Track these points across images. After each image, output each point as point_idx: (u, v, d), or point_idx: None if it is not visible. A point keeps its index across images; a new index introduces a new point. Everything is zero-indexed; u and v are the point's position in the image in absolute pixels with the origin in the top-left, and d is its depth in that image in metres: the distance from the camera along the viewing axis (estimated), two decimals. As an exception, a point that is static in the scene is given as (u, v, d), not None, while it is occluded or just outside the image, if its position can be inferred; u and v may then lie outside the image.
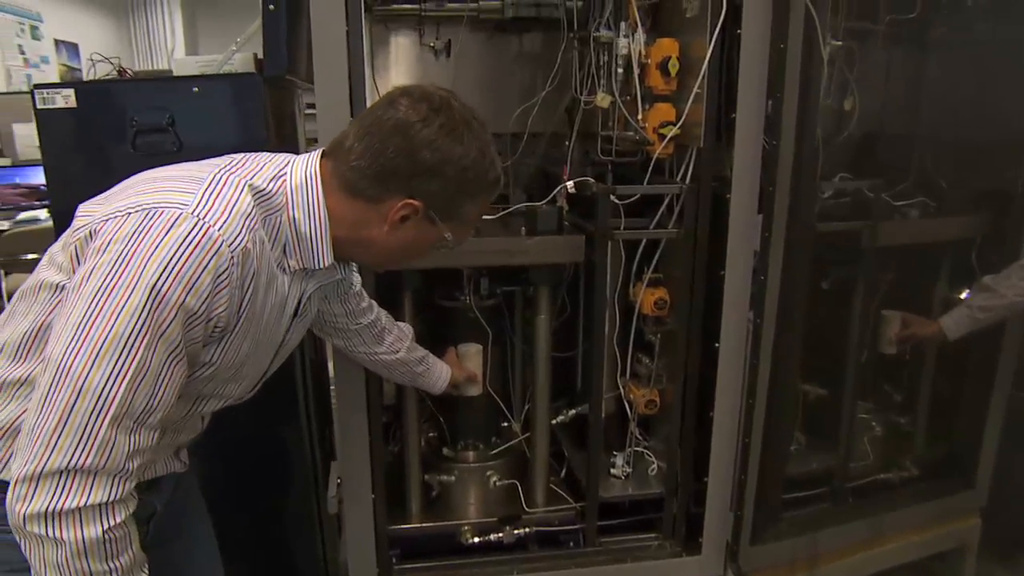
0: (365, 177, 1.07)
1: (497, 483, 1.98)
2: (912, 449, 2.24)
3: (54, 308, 1.02)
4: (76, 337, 0.89)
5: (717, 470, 1.88)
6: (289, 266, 1.10)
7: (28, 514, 0.88)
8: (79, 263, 0.98)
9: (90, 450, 0.89)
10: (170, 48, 8.27)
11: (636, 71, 1.73)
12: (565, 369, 2.10)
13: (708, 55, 1.62)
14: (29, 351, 1.04)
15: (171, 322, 0.92)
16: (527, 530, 1.91)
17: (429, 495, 1.96)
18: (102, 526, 0.91)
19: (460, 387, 1.84)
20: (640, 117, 1.74)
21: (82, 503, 0.89)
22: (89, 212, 1.02)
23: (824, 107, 1.83)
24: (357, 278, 1.43)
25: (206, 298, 0.95)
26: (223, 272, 0.95)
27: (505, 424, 2.08)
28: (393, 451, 2.08)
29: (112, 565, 0.93)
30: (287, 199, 1.07)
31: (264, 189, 1.04)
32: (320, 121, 1.52)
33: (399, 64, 2.10)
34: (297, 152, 1.35)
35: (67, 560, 0.90)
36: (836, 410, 2.11)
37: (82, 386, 0.88)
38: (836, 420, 2.11)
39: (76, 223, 1.02)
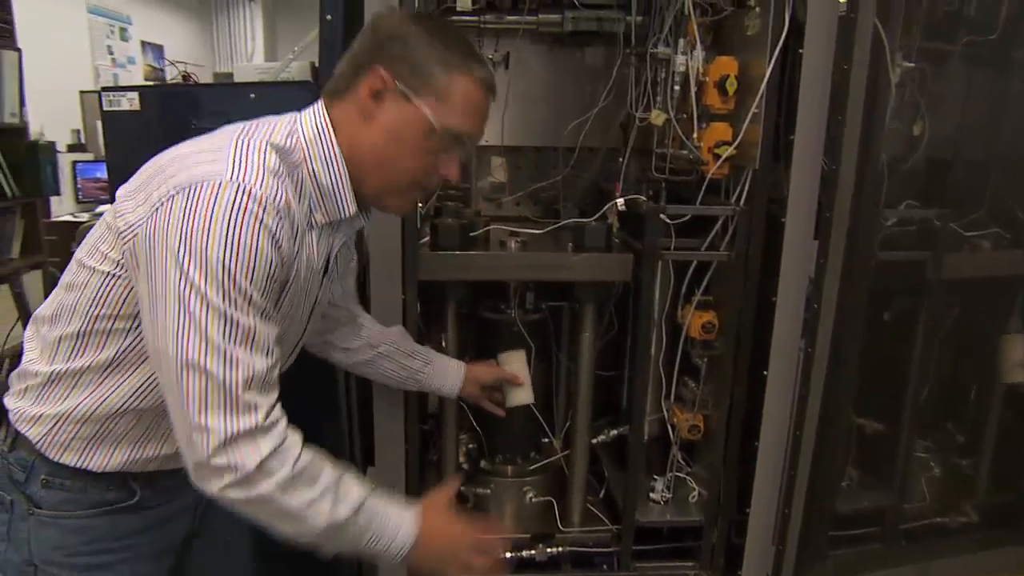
0: (341, 76, 1.11)
1: (533, 499, 1.96)
2: (973, 493, 2.12)
3: (106, 301, 1.06)
4: (180, 333, 0.94)
5: (760, 501, 1.81)
6: (316, 221, 1.12)
7: (223, 494, 0.97)
8: (137, 261, 1.01)
9: (239, 417, 0.96)
10: (250, 51, 8.55)
11: (693, 89, 1.70)
12: (609, 388, 2.07)
13: (767, 74, 1.57)
14: (86, 346, 1.08)
15: (251, 288, 0.97)
16: (561, 549, 1.89)
17: (464, 507, 1.96)
18: (287, 466, 0.99)
19: (507, 395, 1.79)
20: (695, 136, 1.70)
21: (258, 461, 0.96)
22: (126, 201, 1.05)
23: (891, 130, 1.76)
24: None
25: (270, 256, 0.98)
26: (276, 227, 0.99)
27: (545, 440, 2.06)
28: (433, 459, 2.08)
29: (322, 485, 1.03)
30: (304, 153, 1.09)
31: (283, 146, 1.06)
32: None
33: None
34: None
35: (281, 509, 1.00)
36: (892, 447, 2.02)
37: (207, 370, 0.94)
38: (892, 457, 2.01)
39: (119, 213, 1.04)
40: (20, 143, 3.46)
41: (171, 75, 6.88)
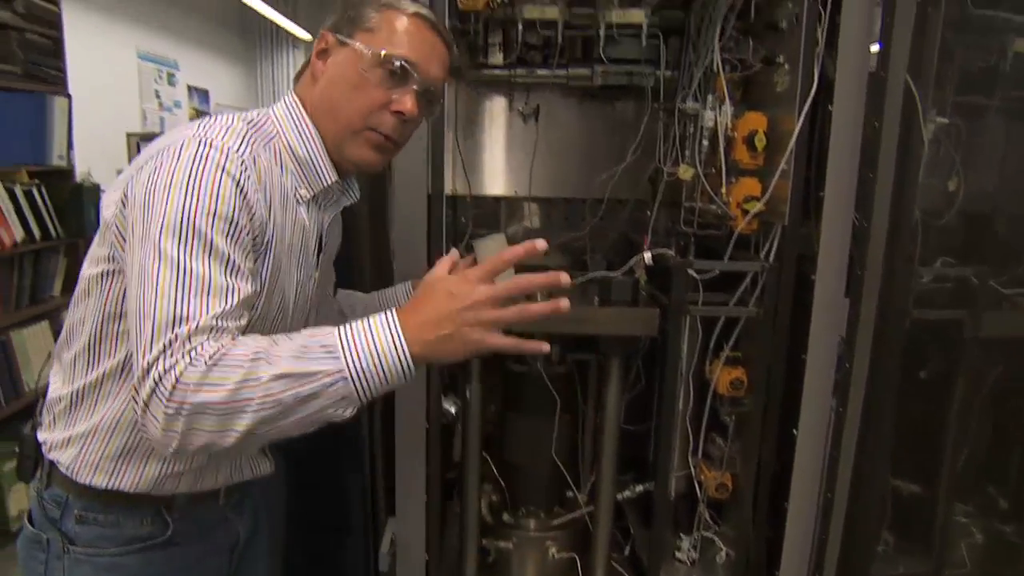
0: (306, 64, 1.19)
1: (556, 555, 1.92)
2: (1018, 561, 2.03)
3: (107, 300, 1.08)
4: (140, 290, 0.94)
5: (790, 565, 1.75)
6: (301, 196, 1.15)
7: (167, 430, 0.89)
8: (123, 239, 1.03)
9: (178, 356, 0.90)
10: (292, 95, 8.77)
11: (722, 144, 1.69)
12: (635, 442, 2.03)
13: (796, 131, 1.56)
14: (99, 354, 1.11)
15: (211, 232, 0.95)
16: (584, 609, 1.85)
17: (485, 560, 1.92)
18: (200, 365, 0.90)
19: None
20: (724, 191, 1.69)
21: (176, 378, 0.89)
22: (108, 196, 1.09)
23: (925, 186, 1.73)
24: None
25: (233, 201, 0.98)
26: (241, 173, 1.00)
27: (569, 494, 2.03)
28: (454, 511, 2.06)
29: (249, 357, 0.91)
30: (277, 127, 1.14)
31: (253, 119, 1.12)
32: (398, 180, 1.56)
33: (488, 126, 2.13)
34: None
35: (216, 405, 0.89)
36: (931, 511, 1.94)
37: (155, 311, 0.92)
38: (930, 522, 1.94)
39: (103, 209, 1.08)
40: (66, 185, 3.58)
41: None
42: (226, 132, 1.04)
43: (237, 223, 0.99)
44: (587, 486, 2.03)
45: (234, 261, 0.98)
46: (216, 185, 0.97)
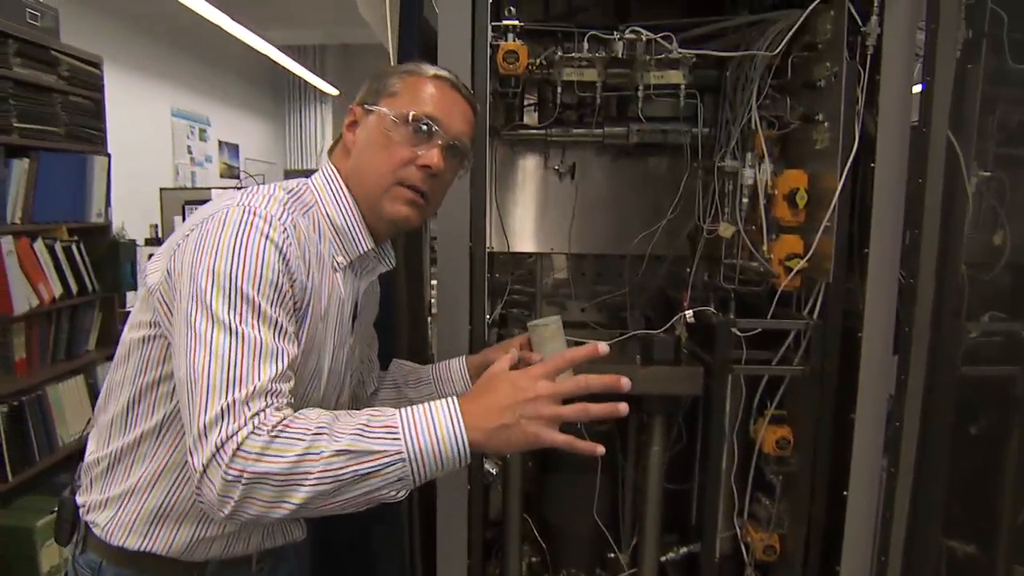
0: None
1: (600, 620, 1.88)
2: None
3: (147, 364, 1.10)
4: (189, 351, 0.95)
5: (845, 631, 1.70)
6: (338, 263, 1.17)
7: (225, 493, 0.90)
8: (168, 307, 1.06)
9: (235, 420, 0.91)
10: (319, 147, 8.94)
11: (762, 202, 1.69)
12: (678, 502, 1.99)
13: (839, 189, 1.56)
14: (136, 415, 1.11)
15: (258, 297, 0.97)
16: (629, 677, 1.79)
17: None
18: (263, 435, 0.90)
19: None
20: (765, 248, 1.69)
21: (251, 449, 0.90)
22: (153, 263, 1.11)
23: (970, 240, 1.71)
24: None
25: (275, 266, 1.00)
26: (281, 241, 1.02)
27: (611, 555, 1.98)
28: (494, 572, 2.01)
29: (312, 431, 0.91)
30: (315, 197, 1.17)
31: (293, 188, 1.16)
32: (440, 248, 1.57)
33: (524, 184, 2.15)
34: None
35: (277, 475, 0.89)
36: (988, 573, 1.88)
37: (210, 377, 0.93)
38: (987, 585, 1.87)
39: (147, 275, 1.10)
40: (104, 241, 3.64)
41: (244, 171, 7.22)
42: (268, 201, 1.07)
43: (281, 288, 1.01)
44: (629, 547, 1.99)
45: (281, 324, 1.00)
46: (260, 251, 0.99)
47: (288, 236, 1.03)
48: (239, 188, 1.23)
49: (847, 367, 1.64)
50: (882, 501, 1.65)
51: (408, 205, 1.18)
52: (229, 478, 0.89)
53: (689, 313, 1.70)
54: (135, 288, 4.00)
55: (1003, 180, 1.80)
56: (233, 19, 5.22)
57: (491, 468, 1.78)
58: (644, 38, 1.64)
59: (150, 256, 1.16)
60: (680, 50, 1.66)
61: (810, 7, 1.60)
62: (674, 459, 1.93)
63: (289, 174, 6.63)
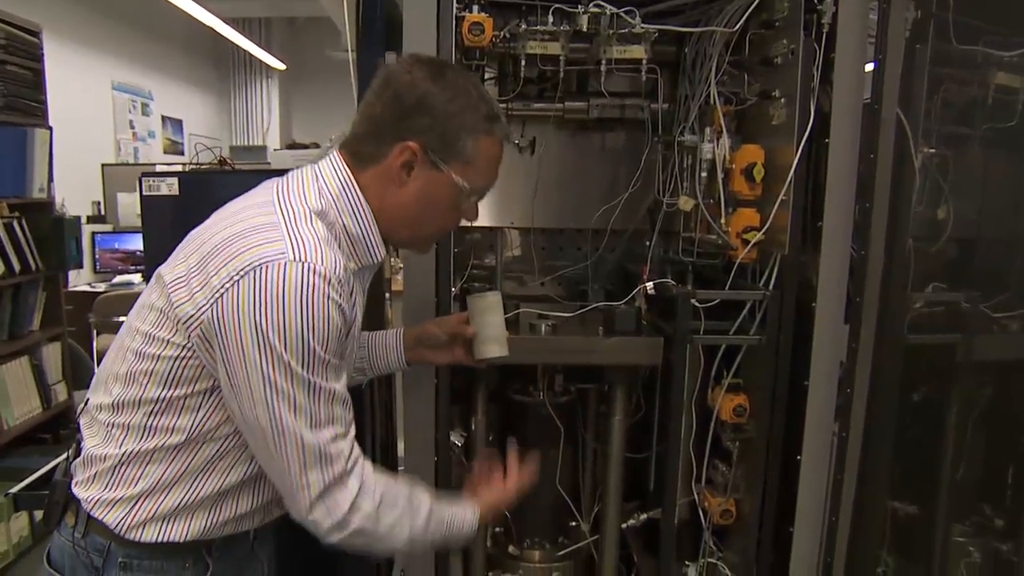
0: (365, 140, 1.15)
1: (563, 586, 1.92)
2: (1014, 579, 2.07)
3: (180, 376, 1.08)
4: (271, 405, 1.02)
5: (797, 590, 1.77)
6: (349, 269, 1.15)
7: (328, 535, 1.10)
8: (210, 344, 1.05)
9: (331, 467, 1.07)
10: (266, 124, 8.76)
11: (720, 176, 1.73)
12: (638, 470, 2.04)
13: (794, 164, 1.60)
14: (156, 429, 1.11)
15: (327, 355, 1.04)
16: (591, 639, 1.84)
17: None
18: (372, 499, 1.11)
19: (476, 346, 1.48)
20: (723, 221, 1.73)
21: (350, 502, 1.08)
22: (179, 287, 1.07)
23: (915, 214, 1.78)
24: None
25: (339, 323, 1.05)
26: (340, 297, 1.05)
27: (574, 524, 2.03)
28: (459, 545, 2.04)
29: (400, 505, 1.15)
30: (335, 210, 1.13)
31: (322, 210, 1.12)
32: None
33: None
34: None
35: (375, 535, 1.12)
36: (929, 531, 1.98)
37: (300, 434, 1.04)
38: (929, 543, 1.97)
39: (176, 301, 1.06)
40: (47, 218, 3.52)
41: (190, 149, 7.03)
42: (320, 248, 1.04)
43: (342, 337, 1.08)
44: (591, 515, 2.04)
45: (340, 368, 1.10)
46: (326, 314, 1.02)
47: (343, 286, 1.05)
48: (277, 176, 1.20)
49: (801, 336, 1.70)
50: (833, 465, 1.72)
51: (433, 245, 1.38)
52: (343, 535, 1.10)
53: (649, 285, 1.74)
54: (81, 266, 3.89)
55: (948, 156, 1.88)
56: (177, -11, 5.07)
57: (456, 440, 1.80)
58: (608, 12, 1.65)
59: (152, 264, 1.13)
60: (642, 25, 1.68)
61: (768, -16, 1.64)
62: (633, 428, 1.97)
63: (235, 150, 6.48)
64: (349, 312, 1.09)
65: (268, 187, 1.17)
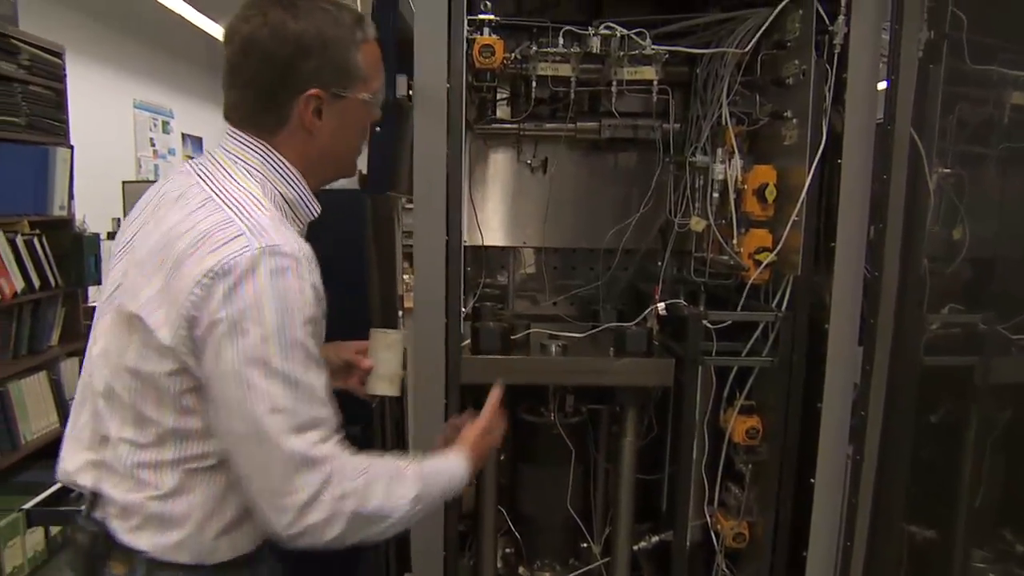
0: (258, 110, 1.12)
1: (573, 609, 1.90)
2: (1035, 606, 2.02)
3: (183, 396, 1.05)
4: (247, 408, 0.99)
5: (811, 615, 1.74)
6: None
7: (331, 532, 1.04)
8: (195, 346, 1.01)
9: (318, 471, 1.01)
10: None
11: (732, 196, 1.72)
12: (650, 492, 2.03)
13: (807, 185, 1.59)
14: (187, 459, 1.07)
15: (307, 340, 1.02)
16: (602, 664, 1.82)
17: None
18: (351, 482, 1.05)
19: (369, 380, 1.45)
20: (735, 242, 1.72)
21: (338, 495, 1.03)
22: (148, 301, 1.03)
23: (931, 235, 1.76)
24: None
25: (313, 300, 1.03)
26: (309, 272, 1.04)
27: (584, 546, 2.01)
28: (468, 564, 2.03)
29: (387, 471, 1.11)
30: (269, 183, 1.12)
31: (262, 189, 1.10)
32: (416, 241, 1.58)
33: (496, 178, 2.16)
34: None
35: (381, 505, 1.08)
36: (947, 556, 1.94)
37: (279, 440, 0.99)
38: (947, 568, 1.93)
39: (146, 318, 1.02)
40: (67, 235, 3.57)
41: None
42: (276, 227, 1.04)
43: (320, 317, 1.06)
44: (602, 537, 2.02)
45: (323, 364, 1.07)
46: (300, 292, 1.01)
47: (309, 261, 1.04)
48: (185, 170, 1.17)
49: (814, 358, 1.68)
50: (848, 488, 1.70)
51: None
52: (335, 532, 1.05)
53: (661, 306, 1.73)
54: (99, 283, 3.92)
55: (962, 176, 1.86)
56: (196, 9, 5.14)
57: (466, 460, 1.79)
58: (619, 34, 1.66)
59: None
60: (653, 46, 1.68)
61: (779, 6, 1.63)
62: (645, 449, 1.96)
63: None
64: (322, 289, 1.07)
65: (192, 186, 1.10)
